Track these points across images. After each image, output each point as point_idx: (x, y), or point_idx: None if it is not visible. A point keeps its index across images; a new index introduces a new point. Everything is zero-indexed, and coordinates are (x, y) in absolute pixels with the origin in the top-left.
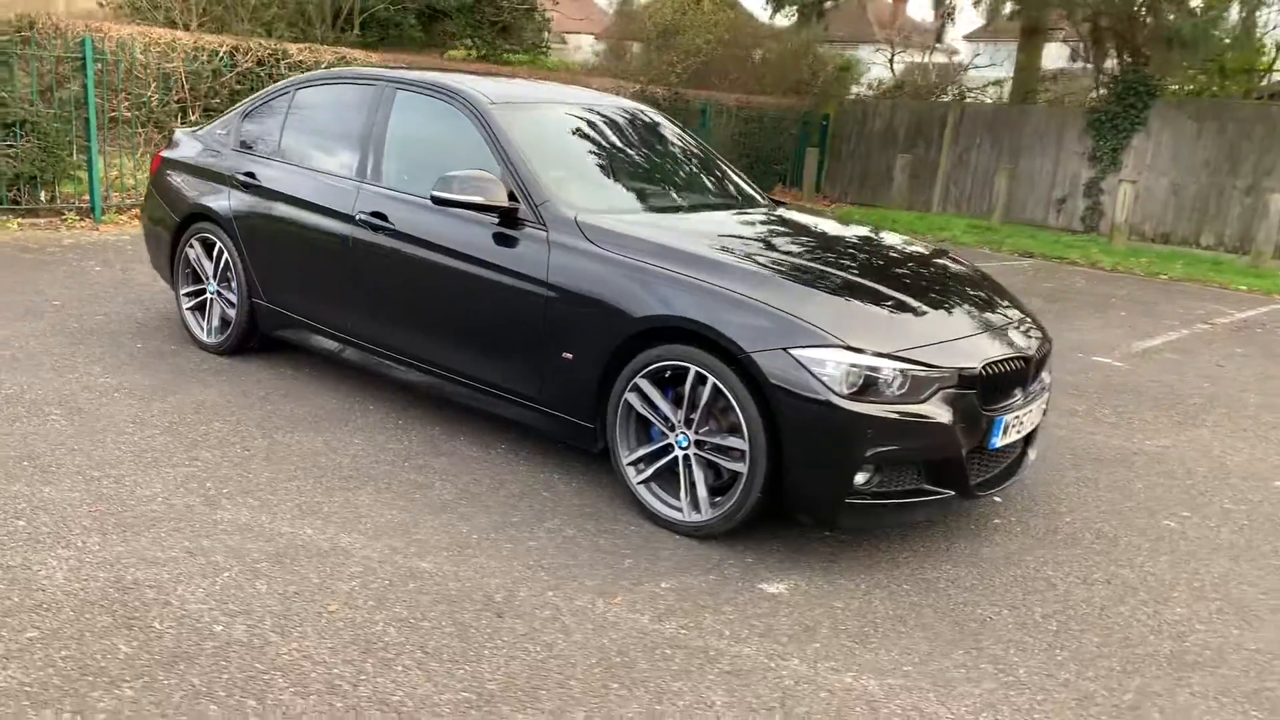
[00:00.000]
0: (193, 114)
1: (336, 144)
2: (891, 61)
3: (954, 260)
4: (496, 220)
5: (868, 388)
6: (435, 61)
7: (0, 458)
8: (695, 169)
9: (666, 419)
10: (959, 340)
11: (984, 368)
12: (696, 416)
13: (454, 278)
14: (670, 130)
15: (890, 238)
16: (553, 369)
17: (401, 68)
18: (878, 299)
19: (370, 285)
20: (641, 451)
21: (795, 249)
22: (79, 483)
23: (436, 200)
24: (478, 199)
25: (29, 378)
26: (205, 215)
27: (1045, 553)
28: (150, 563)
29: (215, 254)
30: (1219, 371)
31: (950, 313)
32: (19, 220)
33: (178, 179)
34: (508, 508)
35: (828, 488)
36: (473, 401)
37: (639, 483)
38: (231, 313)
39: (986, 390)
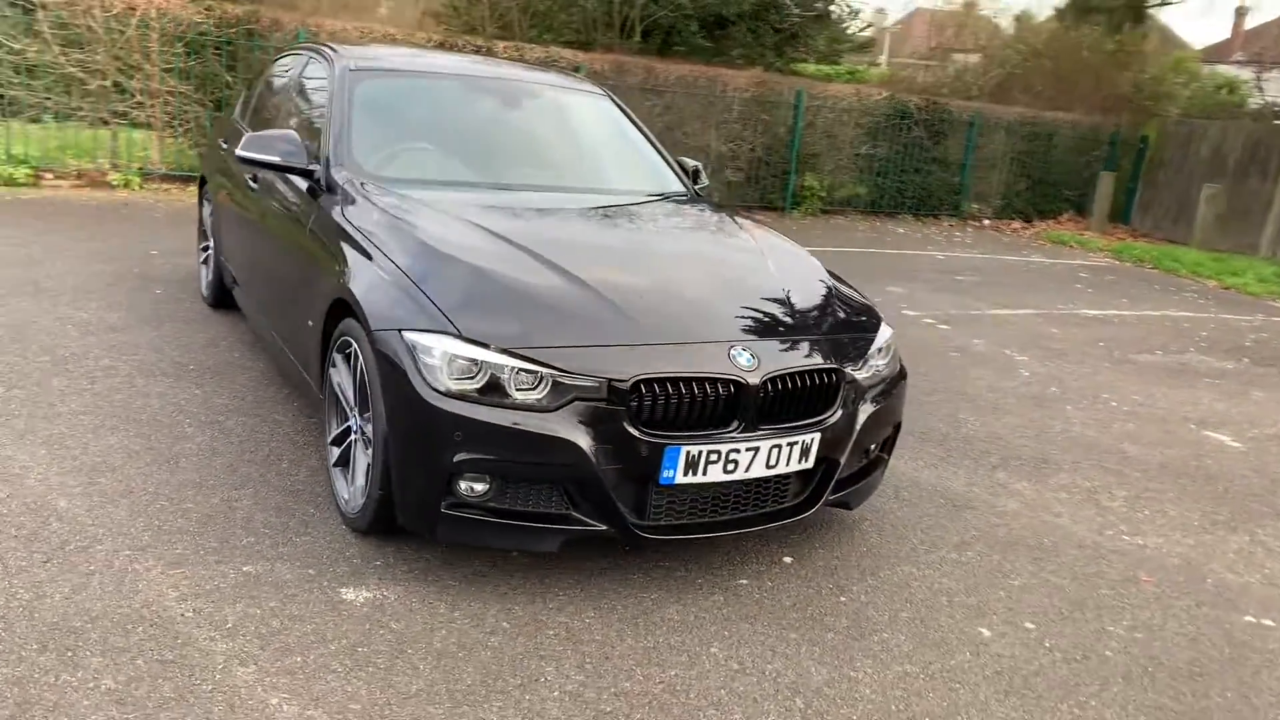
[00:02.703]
0: None
1: (269, 111)
2: (1260, 79)
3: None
4: (306, 185)
5: (490, 386)
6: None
7: None
8: (593, 152)
9: (349, 399)
10: (636, 347)
11: (639, 383)
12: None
13: (271, 238)
14: (597, 115)
15: (735, 238)
16: (307, 336)
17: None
18: (564, 292)
19: (245, 243)
20: (336, 431)
21: (567, 237)
22: None
23: (239, 158)
24: (274, 159)
25: (27, 304)
26: (206, 178)
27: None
28: None
29: (210, 212)
30: None
31: (671, 316)
32: None
33: (210, 147)
34: (224, 471)
35: (422, 492)
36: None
37: (333, 464)
38: None
39: (665, 411)
